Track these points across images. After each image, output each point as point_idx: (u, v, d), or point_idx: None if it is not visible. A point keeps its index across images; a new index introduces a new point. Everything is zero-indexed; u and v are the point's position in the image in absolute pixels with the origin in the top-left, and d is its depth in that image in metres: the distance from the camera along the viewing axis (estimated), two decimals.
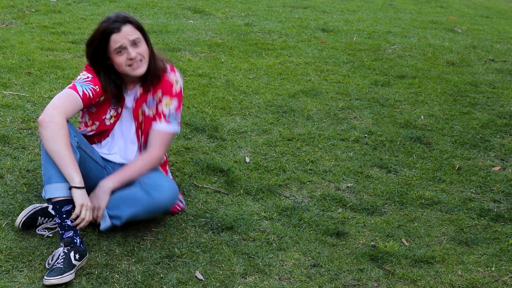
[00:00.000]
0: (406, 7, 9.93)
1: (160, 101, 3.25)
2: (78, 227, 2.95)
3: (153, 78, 3.22)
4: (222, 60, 6.13)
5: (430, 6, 10.24)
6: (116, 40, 3.06)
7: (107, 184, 3.13)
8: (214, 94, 5.17)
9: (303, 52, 6.66)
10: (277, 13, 8.48)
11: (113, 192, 3.13)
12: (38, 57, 5.62)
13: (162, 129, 3.26)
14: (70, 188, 2.92)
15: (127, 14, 3.14)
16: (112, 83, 3.15)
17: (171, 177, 3.54)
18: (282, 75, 5.83)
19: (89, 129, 3.28)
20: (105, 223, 3.11)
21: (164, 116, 3.25)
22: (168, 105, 3.26)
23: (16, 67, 5.31)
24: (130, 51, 3.08)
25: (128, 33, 3.08)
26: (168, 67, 3.29)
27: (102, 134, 3.30)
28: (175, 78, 3.28)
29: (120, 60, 3.09)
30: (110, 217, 3.11)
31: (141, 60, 3.11)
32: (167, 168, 3.49)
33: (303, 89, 5.48)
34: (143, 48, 3.12)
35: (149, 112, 3.26)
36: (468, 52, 7.27)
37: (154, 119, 3.26)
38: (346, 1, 9.91)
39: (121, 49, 3.08)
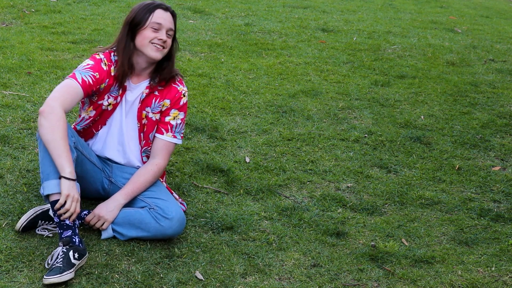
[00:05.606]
0: (406, 7, 9.93)
1: (167, 112, 3.31)
2: (62, 217, 2.89)
3: (161, 77, 3.27)
4: (222, 60, 6.13)
5: (430, 6, 10.24)
6: (160, 16, 3.18)
7: (119, 200, 3.16)
8: (214, 94, 5.17)
9: (303, 52, 6.66)
10: (277, 13, 8.47)
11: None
12: (38, 57, 5.62)
13: (169, 140, 3.32)
14: (60, 177, 2.88)
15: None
16: (127, 60, 3.18)
17: (166, 184, 3.53)
18: (282, 75, 5.83)
19: (86, 116, 3.28)
20: (107, 234, 3.14)
21: (171, 127, 3.32)
22: (176, 117, 3.32)
23: (16, 67, 5.31)
24: (163, 33, 3.18)
25: (170, 20, 3.22)
26: (178, 78, 3.36)
27: (98, 121, 3.29)
28: (183, 90, 3.35)
29: (150, 35, 3.16)
30: (113, 231, 3.13)
31: (163, 48, 3.20)
32: (164, 176, 3.50)
33: (303, 89, 5.48)
34: (170, 42, 3.24)
35: (152, 116, 3.29)
36: (468, 52, 7.27)
37: (160, 131, 3.31)
38: (346, 1, 9.91)
39: (158, 27, 3.17)
